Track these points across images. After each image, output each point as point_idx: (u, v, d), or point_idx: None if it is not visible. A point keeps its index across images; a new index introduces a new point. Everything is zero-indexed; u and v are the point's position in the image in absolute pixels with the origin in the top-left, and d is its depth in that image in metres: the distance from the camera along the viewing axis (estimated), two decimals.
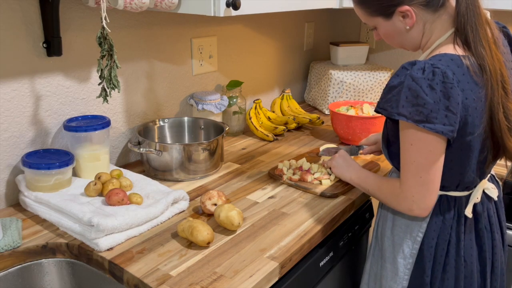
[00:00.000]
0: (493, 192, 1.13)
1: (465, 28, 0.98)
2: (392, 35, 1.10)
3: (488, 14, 1.04)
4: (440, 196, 1.09)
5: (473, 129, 0.99)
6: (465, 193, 1.10)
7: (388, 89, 0.99)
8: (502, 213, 1.22)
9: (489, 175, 1.16)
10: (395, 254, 1.15)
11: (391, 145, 1.11)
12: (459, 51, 0.99)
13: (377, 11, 1.07)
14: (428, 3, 1.01)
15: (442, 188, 1.08)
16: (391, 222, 1.17)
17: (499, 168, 1.53)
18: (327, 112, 2.13)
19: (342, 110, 1.72)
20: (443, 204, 1.10)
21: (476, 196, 1.10)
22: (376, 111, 1.03)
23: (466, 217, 1.09)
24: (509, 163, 1.55)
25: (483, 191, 1.12)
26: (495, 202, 1.18)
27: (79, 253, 1.05)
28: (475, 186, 1.11)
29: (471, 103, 0.96)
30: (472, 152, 1.02)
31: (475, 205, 1.11)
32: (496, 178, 1.23)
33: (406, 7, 1.02)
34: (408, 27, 1.05)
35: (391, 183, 1.10)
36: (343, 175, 1.30)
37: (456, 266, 1.10)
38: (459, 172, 1.05)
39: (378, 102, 1.02)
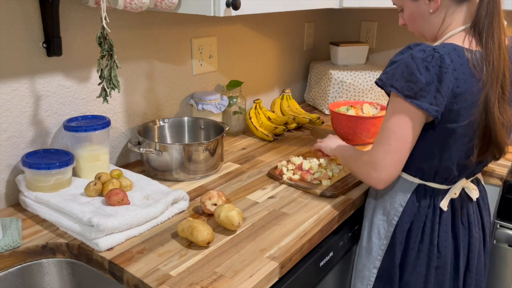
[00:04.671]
0: (473, 192, 1.17)
1: (481, 21, 1.02)
2: (415, 18, 1.14)
3: (505, 24, 1.08)
4: (418, 185, 1.15)
5: (457, 118, 1.02)
6: (444, 186, 1.14)
7: (390, 64, 1.05)
8: (486, 215, 1.25)
9: (474, 177, 1.19)
10: (371, 234, 1.22)
11: None
12: (466, 45, 1.03)
13: None
14: None
15: (421, 176, 1.14)
16: (373, 205, 1.24)
17: (499, 168, 1.53)
18: (327, 112, 2.13)
19: (342, 110, 1.72)
20: (419, 193, 1.15)
21: (454, 192, 1.14)
22: (375, 82, 1.08)
23: (442, 209, 1.14)
24: (508, 163, 1.55)
25: (464, 190, 1.17)
26: (478, 203, 1.21)
27: (79, 253, 1.05)
28: (454, 182, 1.14)
29: (461, 93, 1.00)
30: (452, 140, 1.06)
31: (452, 200, 1.15)
32: (482, 183, 1.26)
33: None
34: (431, 11, 1.09)
35: (362, 151, 1.18)
36: (328, 147, 1.39)
37: (429, 254, 1.15)
38: (438, 158, 1.09)
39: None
